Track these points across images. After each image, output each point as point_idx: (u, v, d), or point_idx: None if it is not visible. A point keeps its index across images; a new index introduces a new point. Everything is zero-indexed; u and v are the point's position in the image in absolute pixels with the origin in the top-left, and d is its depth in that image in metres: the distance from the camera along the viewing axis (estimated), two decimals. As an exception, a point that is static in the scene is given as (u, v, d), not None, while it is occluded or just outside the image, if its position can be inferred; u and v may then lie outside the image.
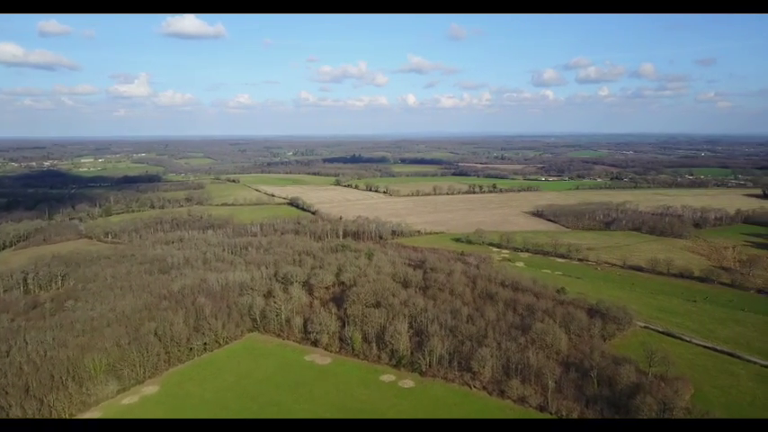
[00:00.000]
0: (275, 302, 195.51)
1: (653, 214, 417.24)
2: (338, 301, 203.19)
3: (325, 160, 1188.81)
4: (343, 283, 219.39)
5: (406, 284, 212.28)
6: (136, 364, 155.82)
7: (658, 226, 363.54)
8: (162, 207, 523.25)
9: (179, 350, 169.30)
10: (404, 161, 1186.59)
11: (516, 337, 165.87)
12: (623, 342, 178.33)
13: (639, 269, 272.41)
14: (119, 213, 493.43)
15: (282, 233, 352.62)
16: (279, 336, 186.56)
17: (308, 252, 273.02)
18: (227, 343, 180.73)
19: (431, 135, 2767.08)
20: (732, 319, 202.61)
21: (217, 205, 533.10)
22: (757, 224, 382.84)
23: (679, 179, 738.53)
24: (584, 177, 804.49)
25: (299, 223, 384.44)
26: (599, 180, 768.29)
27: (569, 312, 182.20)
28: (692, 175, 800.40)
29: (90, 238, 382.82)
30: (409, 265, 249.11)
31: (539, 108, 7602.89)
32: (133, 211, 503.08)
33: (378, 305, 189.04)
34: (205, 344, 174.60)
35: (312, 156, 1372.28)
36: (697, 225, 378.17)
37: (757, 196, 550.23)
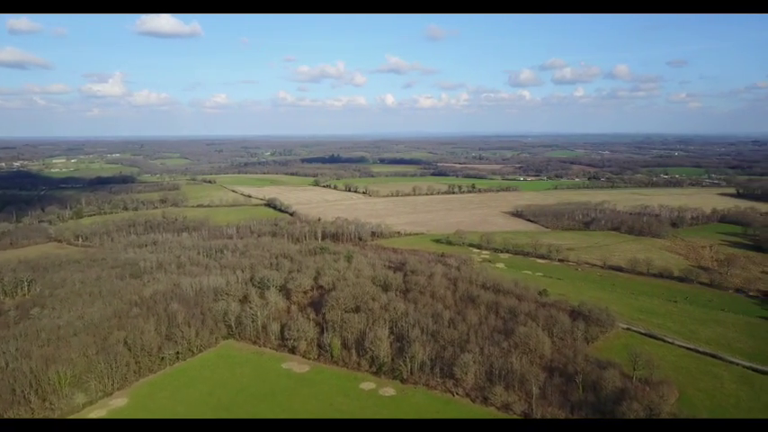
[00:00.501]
0: (251, 308, 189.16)
1: (631, 214, 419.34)
2: (317, 305, 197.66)
3: (303, 160, 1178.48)
4: (321, 287, 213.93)
5: (386, 288, 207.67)
6: (103, 376, 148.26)
7: (637, 226, 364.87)
8: (135, 209, 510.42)
9: (150, 360, 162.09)
10: (383, 161, 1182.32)
11: (499, 342, 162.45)
12: (606, 345, 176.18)
13: (619, 269, 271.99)
14: (90, 215, 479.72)
15: (259, 235, 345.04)
16: (255, 343, 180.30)
17: (285, 255, 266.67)
18: (200, 351, 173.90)
19: (409, 135, 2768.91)
20: (713, 319, 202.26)
21: (192, 207, 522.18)
22: (733, 223, 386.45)
23: (655, 179, 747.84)
24: (561, 177, 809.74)
25: (276, 225, 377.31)
26: (577, 180, 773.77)
27: (552, 315, 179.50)
28: (667, 174, 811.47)
29: (59, 241, 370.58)
30: (389, 267, 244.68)
31: (516, 108, 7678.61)
32: (105, 213, 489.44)
33: (357, 310, 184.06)
34: (177, 353, 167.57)
35: (290, 156, 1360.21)
36: (674, 224, 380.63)
37: (731, 195, 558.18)
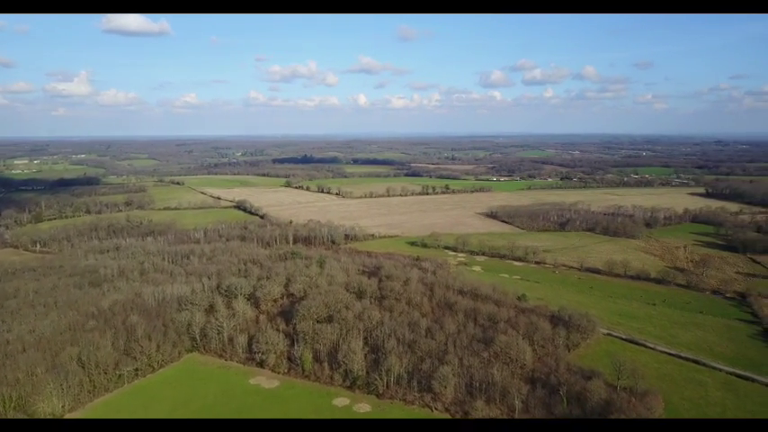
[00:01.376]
0: (217, 319, 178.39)
1: (605, 214, 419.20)
2: (287, 315, 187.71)
3: (275, 161, 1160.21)
4: (292, 294, 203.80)
5: (360, 295, 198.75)
6: (52, 397, 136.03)
7: (611, 226, 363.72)
8: (99, 212, 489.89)
9: (105, 378, 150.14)
10: (356, 161, 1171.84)
11: (479, 352, 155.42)
12: (588, 352, 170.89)
13: (597, 271, 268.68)
14: (50, 219, 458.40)
15: (228, 239, 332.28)
16: (221, 356, 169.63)
17: (254, 260, 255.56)
18: (161, 366, 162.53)
19: (382, 135, 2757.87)
20: (692, 322, 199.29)
21: (158, 209, 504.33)
22: (704, 223, 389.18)
23: (626, 179, 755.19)
24: (534, 177, 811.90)
25: (245, 228, 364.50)
26: (549, 180, 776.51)
27: (532, 322, 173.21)
28: (637, 174, 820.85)
29: (16, 247, 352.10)
30: (364, 272, 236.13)
31: (487, 109, 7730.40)
32: (66, 217, 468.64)
33: (330, 319, 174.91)
34: (136, 369, 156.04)
35: (262, 156, 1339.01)
36: (648, 225, 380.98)
37: (701, 195, 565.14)
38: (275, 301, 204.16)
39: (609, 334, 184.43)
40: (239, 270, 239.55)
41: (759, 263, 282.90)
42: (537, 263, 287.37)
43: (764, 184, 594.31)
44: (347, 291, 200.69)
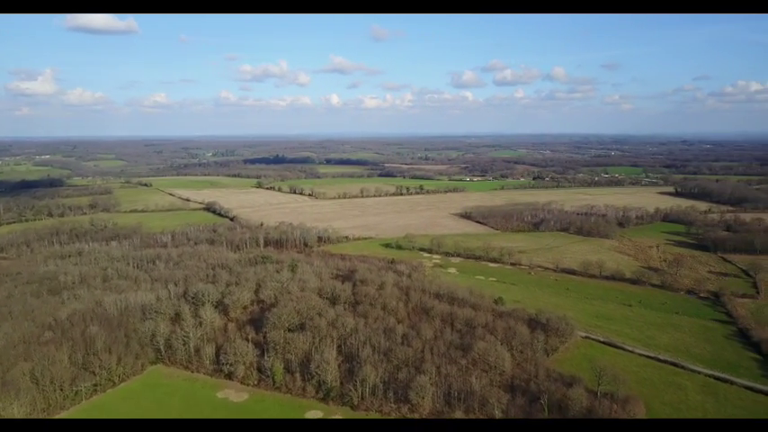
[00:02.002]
0: (183, 328, 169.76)
1: (578, 214, 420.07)
2: (257, 322, 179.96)
3: (246, 161, 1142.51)
4: (262, 301, 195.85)
5: (333, 301, 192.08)
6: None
7: (585, 226, 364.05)
8: (61, 215, 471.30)
9: (61, 395, 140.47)
10: (329, 162, 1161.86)
11: (457, 359, 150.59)
12: (567, 356, 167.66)
13: (572, 272, 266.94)
14: (9, 223, 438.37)
15: (196, 243, 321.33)
16: (187, 368, 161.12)
17: (223, 265, 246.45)
18: (123, 381, 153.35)
19: (355, 135, 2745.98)
20: (668, 323, 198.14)
21: (125, 212, 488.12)
22: (675, 222, 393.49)
23: (597, 178, 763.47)
24: (507, 177, 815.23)
25: (214, 231, 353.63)
26: (522, 180, 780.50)
27: (510, 326, 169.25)
28: (607, 173, 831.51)
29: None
30: (337, 276, 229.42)
31: (459, 109, 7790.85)
32: (26, 221, 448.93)
33: (302, 327, 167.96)
34: (95, 385, 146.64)
35: (233, 156, 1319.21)
36: (621, 224, 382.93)
37: (670, 194, 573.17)
38: (245, 308, 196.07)
39: (587, 337, 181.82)
40: (207, 276, 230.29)
41: (730, 261, 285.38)
42: (512, 264, 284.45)
43: (730, 183, 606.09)
44: (320, 296, 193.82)
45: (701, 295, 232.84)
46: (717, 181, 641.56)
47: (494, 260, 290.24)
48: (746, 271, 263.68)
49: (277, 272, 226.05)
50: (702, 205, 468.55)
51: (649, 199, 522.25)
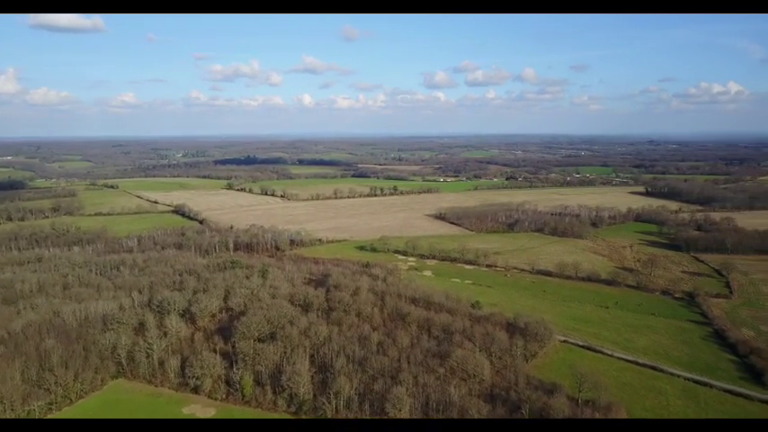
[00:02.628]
0: (146, 339, 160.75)
1: (552, 214, 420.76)
2: (225, 332, 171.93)
3: (216, 162, 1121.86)
4: (231, 309, 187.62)
5: (306, 308, 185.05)
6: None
7: (559, 227, 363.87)
8: (22, 219, 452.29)
9: (12, 414, 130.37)
10: (302, 162, 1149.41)
11: (434, 368, 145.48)
12: (546, 361, 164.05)
13: (548, 274, 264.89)
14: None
15: (163, 247, 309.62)
16: (150, 382, 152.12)
17: (191, 271, 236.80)
18: (80, 397, 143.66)
19: (328, 135, 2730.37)
20: (645, 325, 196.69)
21: (89, 215, 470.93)
22: (647, 222, 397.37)
23: (569, 178, 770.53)
24: (480, 177, 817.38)
25: (183, 235, 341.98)
26: (495, 180, 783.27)
27: (488, 332, 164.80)
28: (578, 173, 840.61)
29: None
30: (310, 281, 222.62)
31: (432, 109, 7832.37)
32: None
33: (273, 337, 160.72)
34: (50, 403, 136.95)
35: (203, 157, 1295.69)
36: (594, 224, 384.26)
37: (641, 194, 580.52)
38: (213, 316, 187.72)
39: (565, 341, 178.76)
40: (174, 282, 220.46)
41: (702, 261, 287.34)
42: (488, 266, 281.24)
43: (699, 182, 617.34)
44: (292, 303, 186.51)
45: (676, 296, 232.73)
46: (685, 180, 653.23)
47: (469, 262, 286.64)
48: (719, 270, 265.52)
49: (247, 278, 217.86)
50: (673, 205, 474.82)
51: (621, 198, 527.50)
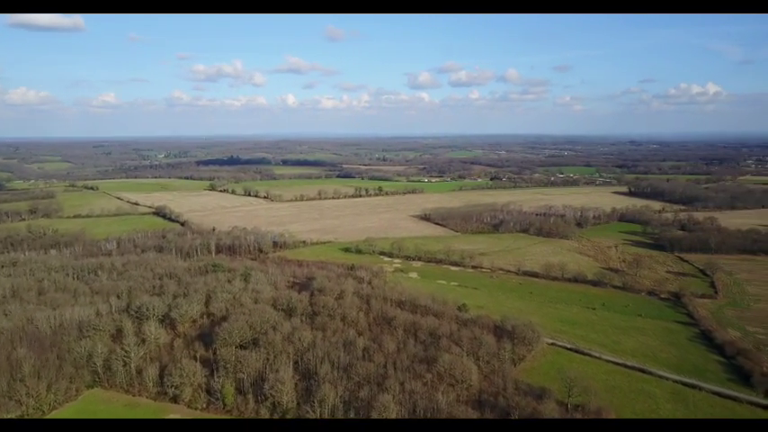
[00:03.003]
0: (124, 347, 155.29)
1: (537, 215, 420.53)
2: (206, 338, 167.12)
3: (199, 163, 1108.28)
4: (212, 314, 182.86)
5: (289, 312, 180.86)
6: None
7: (545, 227, 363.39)
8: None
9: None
10: (285, 162, 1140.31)
11: (421, 374, 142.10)
12: (534, 365, 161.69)
13: (535, 275, 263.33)
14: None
15: (143, 250, 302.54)
16: (128, 392, 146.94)
17: (171, 275, 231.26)
18: (54, 408, 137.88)
19: (312, 135, 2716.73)
20: (633, 327, 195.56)
21: (67, 218, 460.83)
22: (631, 221, 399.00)
23: (552, 178, 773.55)
24: (464, 178, 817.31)
25: (163, 237, 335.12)
26: (479, 180, 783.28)
27: (476, 336, 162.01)
28: (562, 173, 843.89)
29: None
30: (294, 285, 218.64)
31: (416, 110, 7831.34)
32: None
33: (255, 343, 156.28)
34: (21, 416, 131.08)
35: (186, 158, 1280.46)
36: (579, 224, 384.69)
37: (624, 194, 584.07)
38: (193, 321, 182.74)
39: (553, 344, 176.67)
40: (154, 287, 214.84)
41: (687, 261, 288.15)
42: (474, 267, 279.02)
43: (681, 182, 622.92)
44: (275, 308, 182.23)
45: (662, 296, 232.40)
46: (668, 180, 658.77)
47: (455, 263, 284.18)
48: (703, 270, 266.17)
49: (229, 281, 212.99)
50: (656, 204, 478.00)
51: (605, 198, 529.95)
